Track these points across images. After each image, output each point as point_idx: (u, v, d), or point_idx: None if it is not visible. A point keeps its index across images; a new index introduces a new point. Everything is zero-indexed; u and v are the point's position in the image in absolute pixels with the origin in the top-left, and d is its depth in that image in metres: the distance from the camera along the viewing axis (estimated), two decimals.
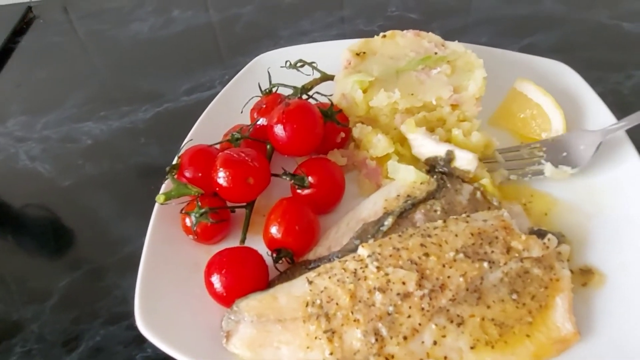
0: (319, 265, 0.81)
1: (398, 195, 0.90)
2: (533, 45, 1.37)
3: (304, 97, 0.98)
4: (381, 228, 0.84)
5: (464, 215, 0.85)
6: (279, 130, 0.89)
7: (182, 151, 0.93)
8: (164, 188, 0.91)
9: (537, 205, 0.93)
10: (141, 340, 0.79)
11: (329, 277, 0.76)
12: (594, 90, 1.08)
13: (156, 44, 1.54)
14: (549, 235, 0.81)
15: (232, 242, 0.88)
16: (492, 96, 1.03)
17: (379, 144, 0.96)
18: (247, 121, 1.06)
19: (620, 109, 1.05)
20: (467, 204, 0.90)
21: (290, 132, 0.88)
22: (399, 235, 0.80)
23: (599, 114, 1.03)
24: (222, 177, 0.84)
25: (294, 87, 1.03)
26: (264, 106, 1.03)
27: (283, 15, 1.61)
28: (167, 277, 0.83)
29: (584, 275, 0.81)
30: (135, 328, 0.77)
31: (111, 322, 0.86)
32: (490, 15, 1.50)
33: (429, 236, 0.79)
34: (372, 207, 0.89)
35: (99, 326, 0.85)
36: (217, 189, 0.86)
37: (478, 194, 0.91)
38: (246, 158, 0.85)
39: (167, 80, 1.38)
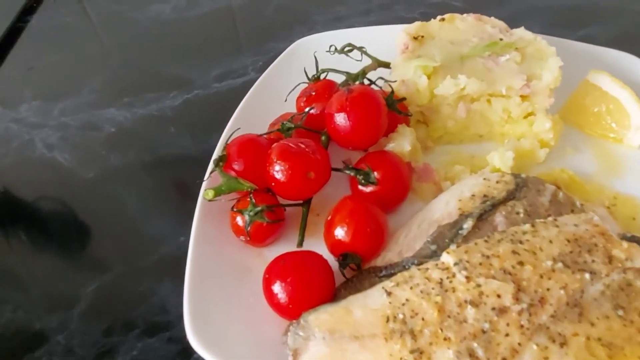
0: (391, 273, 0.71)
1: (473, 195, 0.80)
2: (589, 37, 1.27)
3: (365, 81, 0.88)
4: (460, 232, 0.74)
5: (550, 218, 0.75)
6: (341, 119, 0.79)
7: (228, 141, 0.82)
8: (209, 182, 0.80)
9: (622, 208, 0.85)
10: (186, 354, 0.69)
11: (411, 288, 0.66)
12: None
13: (180, 26, 1.42)
14: None
15: (286, 245, 0.79)
16: (558, 88, 0.93)
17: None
18: (291, 110, 0.96)
19: None
20: (550, 206, 0.80)
21: (354, 122, 0.78)
22: (485, 241, 0.70)
23: None
24: (279, 171, 0.74)
25: (347, 73, 0.93)
26: (314, 93, 0.93)
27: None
28: (217, 283, 0.73)
29: None
30: (178, 341, 0.69)
31: (149, 333, 0.75)
32: (539, 4, 1.41)
33: (520, 242, 0.70)
34: (444, 207, 0.79)
35: (135, 338, 0.75)
36: (272, 184, 0.75)
37: (560, 194, 0.81)
38: (306, 149, 0.75)
39: (195, 65, 1.27)
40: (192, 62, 1.28)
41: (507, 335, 0.62)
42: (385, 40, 1.03)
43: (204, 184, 0.81)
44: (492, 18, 1.02)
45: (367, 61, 0.98)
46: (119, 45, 1.41)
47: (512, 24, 1.33)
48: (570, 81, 0.99)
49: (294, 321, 0.66)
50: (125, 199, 0.95)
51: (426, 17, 1.26)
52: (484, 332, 0.62)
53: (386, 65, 1.00)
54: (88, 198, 0.97)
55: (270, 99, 0.99)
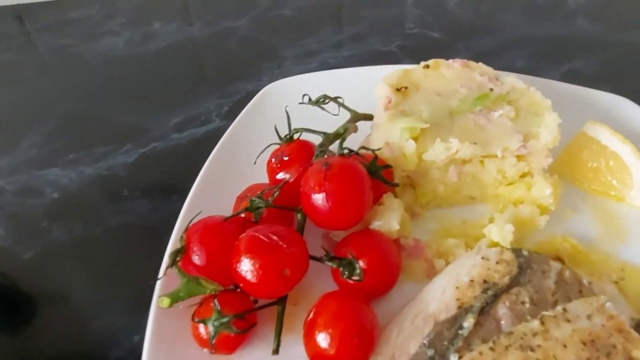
0: None
1: (472, 281, 0.70)
2: (575, 72, 1.21)
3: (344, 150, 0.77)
4: (460, 332, 0.65)
5: (559, 308, 0.66)
6: (319, 200, 0.68)
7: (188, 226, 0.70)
8: (165, 281, 0.68)
9: (631, 283, 0.77)
10: None
11: None
12: None
13: (135, 63, 1.29)
14: None
15: (260, 346, 0.68)
16: None
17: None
18: (263, 174, 0.84)
19: None
20: (556, 288, 0.71)
21: (334, 203, 0.67)
22: (491, 349, 0.61)
23: None
24: (248, 270, 0.62)
25: (324, 134, 0.83)
26: (287, 158, 0.81)
27: (283, 30, 1.39)
28: None
29: None
30: None
31: None
32: (520, 35, 1.34)
33: (531, 349, 0.60)
34: (440, 297, 0.69)
35: None
36: (241, 283, 0.64)
37: (567, 273, 0.73)
38: (280, 242, 0.64)
39: (152, 111, 1.14)
40: (148, 108, 1.15)
41: None
42: (365, 83, 0.93)
43: (158, 283, 0.68)
44: (480, 64, 0.93)
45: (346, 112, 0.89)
46: (65, 87, 1.25)
47: (496, 57, 1.27)
48: (566, 128, 0.92)
49: None
50: (70, 285, 0.82)
51: (404, 49, 1.17)
52: None
53: (368, 117, 0.90)
54: (25, 285, 0.83)
55: (237, 160, 0.88)
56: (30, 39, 1.41)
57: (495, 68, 1.01)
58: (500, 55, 1.26)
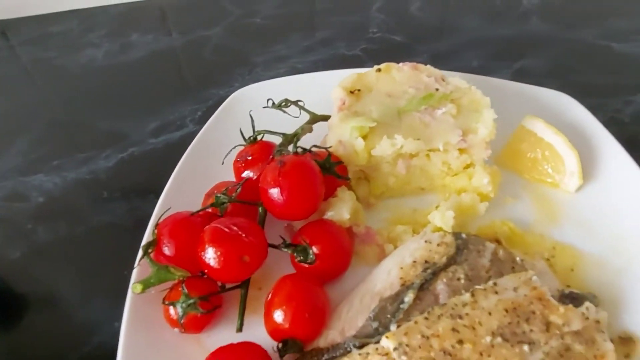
0: (334, 357, 0.70)
1: (414, 262, 0.79)
2: (525, 70, 1.30)
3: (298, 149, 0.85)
4: (401, 306, 0.73)
5: (490, 283, 0.75)
6: (275, 194, 0.76)
7: (158, 221, 0.78)
8: (139, 270, 0.76)
9: (561, 259, 0.86)
10: None
11: None
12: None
13: (113, 73, 1.36)
14: (587, 304, 0.73)
15: (226, 326, 0.76)
16: (497, 132, 0.94)
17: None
18: (230, 172, 0.92)
19: (623, 139, 1.00)
20: (490, 265, 0.80)
21: (288, 197, 0.76)
22: (425, 318, 0.69)
23: (611, 153, 0.96)
24: (212, 257, 0.70)
25: (283, 135, 0.91)
26: (250, 158, 0.90)
27: (255, 38, 1.47)
28: None
29: (625, 345, 0.74)
30: None
31: None
32: (477, 36, 1.43)
33: (460, 317, 0.69)
34: (386, 277, 0.78)
35: None
36: (206, 270, 0.72)
37: (501, 252, 0.82)
38: (239, 232, 0.72)
39: (130, 117, 1.21)
40: (127, 114, 1.23)
41: None
42: (326, 86, 1.01)
43: (134, 272, 0.76)
44: (428, 66, 1.02)
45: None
46: (48, 97, 1.33)
47: (453, 57, 1.35)
48: (509, 123, 1.00)
49: None
50: (56, 279, 0.90)
51: (368, 53, 1.25)
52: None
53: (325, 119, 0.98)
54: (14, 282, 0.91)
55: (207, 161, 0.96)
56: (15, 52, 1.49)
57: (452, 68, 1.10)
58: (457, 55, 1.35)
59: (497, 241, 0.88)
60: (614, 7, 1.48)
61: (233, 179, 0.92)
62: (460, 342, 0.66)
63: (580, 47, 1.37)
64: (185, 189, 0.90)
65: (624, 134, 1.10)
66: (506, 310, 0.70)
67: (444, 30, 1.45)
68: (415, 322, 0.69)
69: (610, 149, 0.97)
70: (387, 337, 0.67)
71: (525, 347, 0.67)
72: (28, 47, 1.48)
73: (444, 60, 1.07)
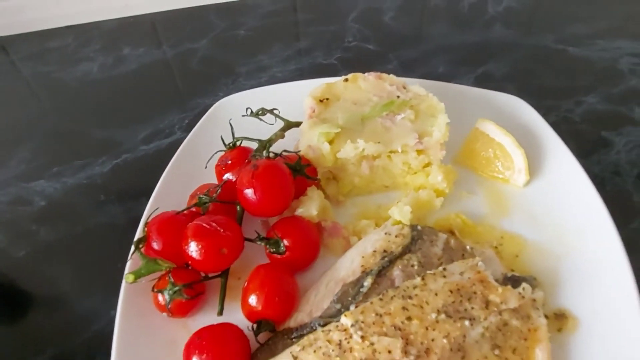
0: (301, 335, 0.80)
1: (374, 251, 0.89)
2: (487, 74, 1.40)
3: (271, 153, 0.96)
4: (361, 289, 0.84)
5: (440, 268, 0.85)
6: (249, 194, 0.86)
7: (148, 220, 0.88)
8: (131, 263, 0.87)
9: (508, 247, 0.96)
10: None
11: (314, 351, 0.74)
12: (548, 120, 1.12)
13: (108, 85, 1.47)
14: (524, 285, 0.83)
15: (209, 312, 0.86)
16: (455, 134, 1.04)
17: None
18: (213, 175, 1.03)
19: (573, 137, 1.11)
20: (442, 254, 0.90)
21: (261, 196, 0.86)
22: (380, 299, 0.80)
23: (556, 151, 1.06)
24: (194, 250, 0.81)
25: (259, 141, 1.01)
26: (230, 162, 1.00)
27: (239, 49, 1.57)
28: (143, 358, 0.79)
29: (559, 320, 0.84)
30: None
31: None
32: (444, 44, 1.53)
33: (410, 297, 0.79)
34: (349, 265, 0.88)
35: None
36: (190, 261, 0.82)
37: (452, 241, 0.92)
38: (218, 228, 0.82)
39: (123, 126, 1.32)
40: (120, 123, 1.33)
41: None
42: (301, 94, 1.11)
43: (127, 265, 0.87)
44: (391, 76, 1.12)
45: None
46: (47, 108, 1.44)
47: (421, 64, 1.46)
48: (467, 125, 1.11)
49: None
50: (58, 275, 1.00)
51: (343, 62, 1.36)
52: None
53: (298, 125, 1.08)
54: (20, 278, 1.01)
55: (192, 166, 1.06)
56: (15, 67, 1.59)
57: (420, 74, 1.21)
58: (424, 62, 1.45)
59: (451, 232, 0.98)
60: (572, 13, 1.59)
61: (215, 181, 1.02)
62: (409, 318, 0.77)
63: (539, 51, 1.47)
64: (172, 191, 1.00)
65: (574, 132, 1.22)
66: (451, 291, 0.81)
67: (415, 38, 1.56)
68: (371, 303, 0.79)
69: (555, 147, 1.07)
70: (345, 315, 0.77)
71: (467, 322, 0.77)
72: (28, 62, 1.58)
73: (412, 67, 1.17)
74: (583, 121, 1.26)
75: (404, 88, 1.10)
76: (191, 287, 0.82)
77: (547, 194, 1.02)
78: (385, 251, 0.89)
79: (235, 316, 0.83)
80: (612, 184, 1.11)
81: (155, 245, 0.84)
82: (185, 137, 1.14)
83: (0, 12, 1.61)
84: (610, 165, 1.15)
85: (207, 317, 0.84)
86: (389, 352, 0.73)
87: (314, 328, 0.80)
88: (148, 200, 0.99)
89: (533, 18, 1.63)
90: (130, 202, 1.12)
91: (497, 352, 0.76)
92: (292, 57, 1.52)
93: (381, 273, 0.86)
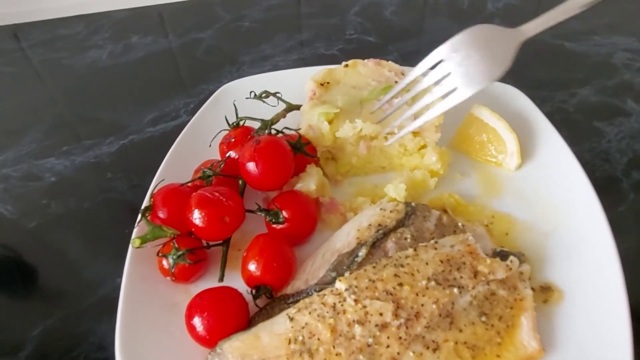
0: (297, 300, 0.84)
1: (369, 225, 0.93)
2: None
3: (273, 131, 1.00)
4: (356, 259, 0.88)
5: (432, 241, 0.89)
6: (251, 167, 0.91)
7: (154, 191, 0.93)
8: (137, 230, 0.91)
9: (498, 225, 0.99)
10: None
11: (309, 313, 0.78)
12: (542, 109, 1.16)
13: (116, 71, 1.52)
14: (511, 257, 0.87)
15: (210, 279, 0.90)
16: (450, 119, 1.08)
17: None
18: (216, 154, 1.07)
19: (566, 126, 1.14)
20: (435, 229, 0.94)
21: (262, 170, 0.90)
22: (374, 267, 0.84)
23: (547, 136, 1.10)
24: (197, 218, 0.85)
25: (262, 120, 1.06)
26: (233, 140, 1.04)
27: (243, 39, 1.62)
28: (147, 320, 0.83)
29: (545, 293, 0.87)
30: None
31: None
32: (443, 37, 1.55)
33: (402, 266, 0.83)
34: (345, 238, 0.92)
35: None
36: (193, 229, 0.86)
37: (444, 218, 0.96)
38: (221, 197, 0.86)
39: (130, 110, 1.36)
40: (128, 107, 1.38)
41: (388, 346, 0.75)
42: (303, 81, 1.15)
43: (134, 231, 0.91)
44: (390, 62, 1.16)
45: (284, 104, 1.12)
46: (58, 93, 1.49)
47: (420, 56, 1.49)
48: (462, 111, 1.14)
49: (212, 349, 0.77)
50: (66, 245, 1.04)
51: (344, 52, 1.40)
52: (368, 345, 0.75)
53: (299, 108, 1.13)
54: (31, 247, 1.05)
55: (197, 144, 1.10)
56: (26, 54, 1.64)
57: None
58: (424, 54, 1.48)
59: (444, 210, 1.02)
60: None
61: (219, 159, 1.07)
62: (400, 284, 0.80)
63: (536, 46, 1.50)
64: (177, 167, 1.04)
65: (567, 121, 1.26)
66: (441, 261, 0.84)
67: (413, 32, 1.60)
68: (365, 270, 0.83)
69: (548, 134, 1.11)
70: (340, 280, 0.81)
71: (455, 290, 0.81)
72: (38, 49, 1.63)
73: (411, 58, 1.20)
74: (576, 111, 1.30)
75: (402, 74, 1.14)
76: (194, 253, 0.86)
77: (538, 177, 1.05)
78: (380, 225, 0.93)
79: (236, 284, 0.87)
80: (602, 171, 1.14)
81: (161, 214, 0.89)
82: (189, 120, 1.18)
83: (13, 1, 1.67)
84: (601, 153, 1.19)
85: (208, 284, 0.88)
86: (380, 314, 0.77)
87: (310, 294, 0.84)
88: (153, 178, 1.03)
89: (530, 14, 1.66)
90: (136, 179, 1.16)
91: (483, 318, 0.80)
92: (294, 47, 1.56)
93: (375, 244, 0.90)
